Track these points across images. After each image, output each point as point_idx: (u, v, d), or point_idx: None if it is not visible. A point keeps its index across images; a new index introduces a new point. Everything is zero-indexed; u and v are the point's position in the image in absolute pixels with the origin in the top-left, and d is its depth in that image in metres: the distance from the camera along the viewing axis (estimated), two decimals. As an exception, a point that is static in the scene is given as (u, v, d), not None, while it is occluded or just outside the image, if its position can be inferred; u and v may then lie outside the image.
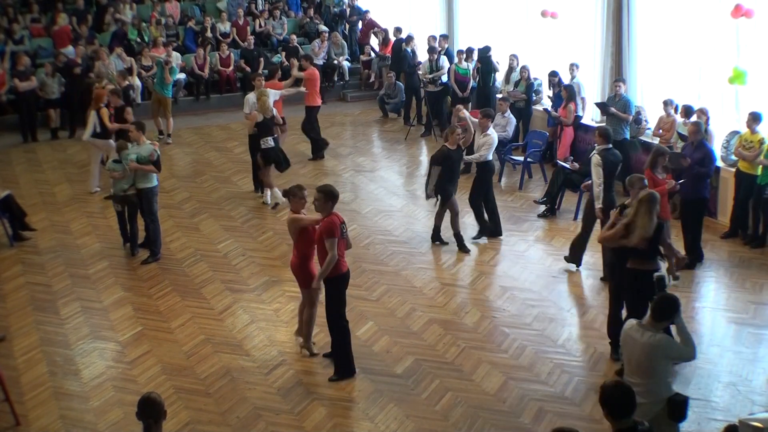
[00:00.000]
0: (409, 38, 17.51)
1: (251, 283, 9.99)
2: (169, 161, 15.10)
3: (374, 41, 20.28)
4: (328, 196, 7.62)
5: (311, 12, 21.31)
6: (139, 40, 18.64)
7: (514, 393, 7.57)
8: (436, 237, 11.00)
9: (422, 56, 17.04)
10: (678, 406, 5.75)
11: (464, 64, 15.82)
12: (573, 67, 13.82)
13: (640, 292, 7.15)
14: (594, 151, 9.71)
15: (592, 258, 10.39)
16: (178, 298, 9.66)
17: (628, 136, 12.54)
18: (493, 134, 11.02)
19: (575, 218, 11.78)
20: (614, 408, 4.82)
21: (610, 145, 9.73)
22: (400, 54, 17.53)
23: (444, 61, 16.17)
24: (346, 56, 20.09)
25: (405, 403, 7.44)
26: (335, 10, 21.49)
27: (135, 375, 8.01)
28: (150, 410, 5.15)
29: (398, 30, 18.64)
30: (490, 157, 10.99)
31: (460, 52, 16.14)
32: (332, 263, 7.51)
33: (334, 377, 7.86)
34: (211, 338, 8.68)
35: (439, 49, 16.59)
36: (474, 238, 11.06)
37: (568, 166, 12.04)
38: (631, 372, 5.86)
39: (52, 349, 8.54)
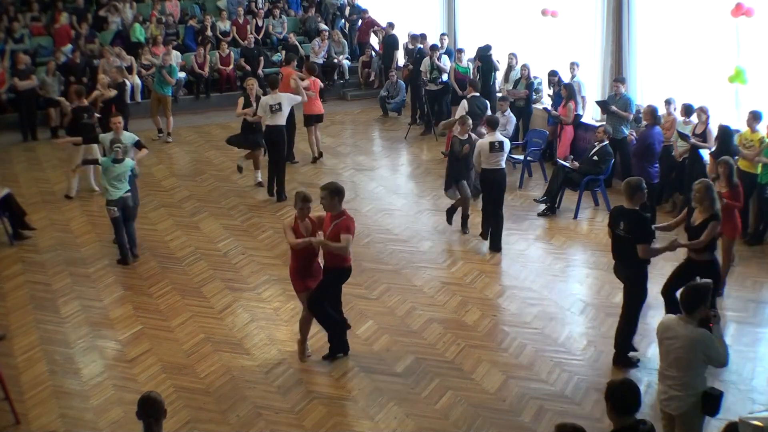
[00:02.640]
0: (423, 37, 17.44)
1: (251, 282, 9.99)
2: (169, 160, 15.13)
3: (374, 40, 20.26)
4: (333, 193, 7.63)
5: (311, 11, 21.29)
6: (142, 39, 18.63)
7: (514, 392, 7.57)
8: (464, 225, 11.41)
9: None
10: (712, 401, 5.76)
11: (464, 63, 15.81)
12: (573, 65, 13.81)
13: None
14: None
15: (593, 257, 10.40)
16: (178, 296, 9.66)
17: (628, 134, 12.54)
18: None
19: (575, 217, 11.80)
20: (618, 404, 4.82)
21: (478, 94, 12.91)
22: (392, 49, 17.91)
23: (444, 60, 16.15)
24: (347, 55, 20.07)
25: (405, 402, 7.44)
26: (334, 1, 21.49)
27: (135, 374, 8.01)
28: (150, 409, 5.14)
29: (391, 25, 18.66)
30: None
31: (459, 50, 16.12)
32: (340, 252, 7.64)
33: (327, 356, 8.12)
34: (211, 337, 8.68)
35: (421, 47, 16.60)
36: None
37: (568, 164, 12.07)
38: (668, 365, 5.86)
39: (52, 347, 8.54)
